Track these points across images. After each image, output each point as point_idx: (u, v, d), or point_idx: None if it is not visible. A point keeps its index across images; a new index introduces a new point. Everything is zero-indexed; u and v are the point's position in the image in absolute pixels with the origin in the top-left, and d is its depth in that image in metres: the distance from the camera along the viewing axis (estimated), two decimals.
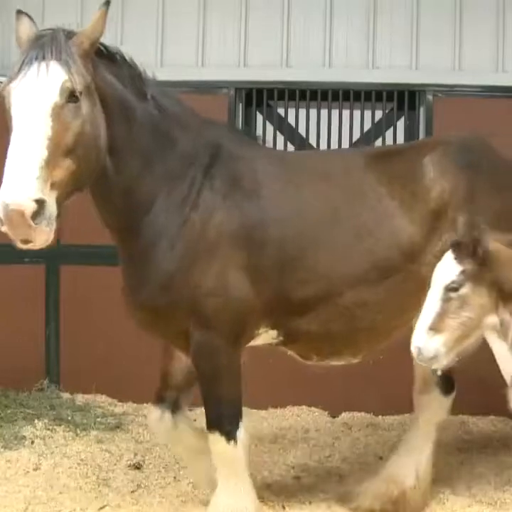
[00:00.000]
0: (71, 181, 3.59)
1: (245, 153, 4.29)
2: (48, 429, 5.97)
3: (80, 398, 6.71)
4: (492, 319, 3.25)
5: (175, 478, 5.12)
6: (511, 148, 6.54)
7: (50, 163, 3.44)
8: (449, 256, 3.28)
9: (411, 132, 6.98)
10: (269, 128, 7.14)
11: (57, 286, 6.91)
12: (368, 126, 7.04)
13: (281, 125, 7.14)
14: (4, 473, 5.13)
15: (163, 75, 6.67)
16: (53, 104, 3.52)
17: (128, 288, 4.19)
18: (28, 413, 6.27)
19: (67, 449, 5.59)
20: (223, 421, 4.12)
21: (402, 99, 6.97)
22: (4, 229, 3.41)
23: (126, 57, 4.01)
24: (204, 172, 4.13)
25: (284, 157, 4.96)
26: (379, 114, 7.07)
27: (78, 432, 5.98)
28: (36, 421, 6.06)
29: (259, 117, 7.16)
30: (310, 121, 7.06)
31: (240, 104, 7.06)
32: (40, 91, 3.52)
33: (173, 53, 7.12)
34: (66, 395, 6.77)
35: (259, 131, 7.11)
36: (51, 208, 3.43)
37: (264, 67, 7.05)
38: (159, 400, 4.46)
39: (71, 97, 3.57)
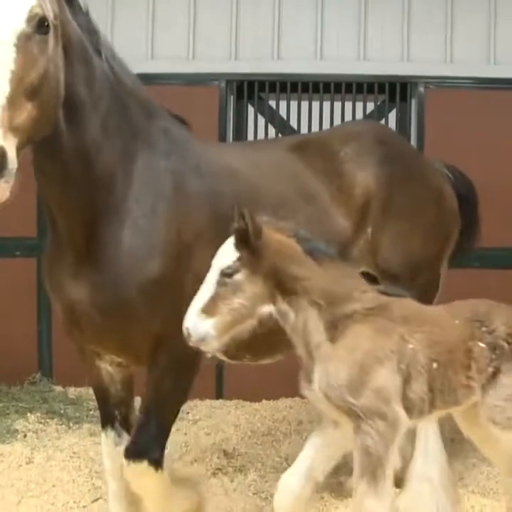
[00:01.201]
0: (31, 129, 2.92)
1: (189, 139, 3.88)
2: (41, 423, 5.97)
3: (73, 391, 6.70)
4: (268, 308, 3.18)
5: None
6: (502, 140, 6.65)
7: (12, 103, 2.79)
8: (229, 241, 3.19)
9: (402, 124, 6.98)
10: (261, 120, 7.13)
11: None
12: (359, 117, 7.02)
13: (272, 117, 7.14)
14: None
15: (154, 68, 6.77)
16: (19, 32, 2.86)
17: (86, 285, 3.56)
18: (20, 407, 6.27)
19: (59, 442, 5.59)
20: (155, 448, 3.57)
21: (394, 90, 6.97)
22: None
23: (82, 6, 3.38)
24: (165, 159, 3.66)
25: (221, 146, 4.82)
26: (371, 106, 7.08)
27: (71, 425, 5.98)
28: (29, 414, 6.07)
29: (251, 110, 7.15)
30: (301, 113, 7.06)
31: (232, 97, 7.06)
32: (4, 15, 2.87)
33: (164, 45, 7.09)
34: (58, 388, 6.78)
35: (250, 124, 7.13)
36: (12, 158, 2.77)
37: (256, 60, 7.03)
38: (110, 421, 3.82)
39: (41, 27, 2.92)
